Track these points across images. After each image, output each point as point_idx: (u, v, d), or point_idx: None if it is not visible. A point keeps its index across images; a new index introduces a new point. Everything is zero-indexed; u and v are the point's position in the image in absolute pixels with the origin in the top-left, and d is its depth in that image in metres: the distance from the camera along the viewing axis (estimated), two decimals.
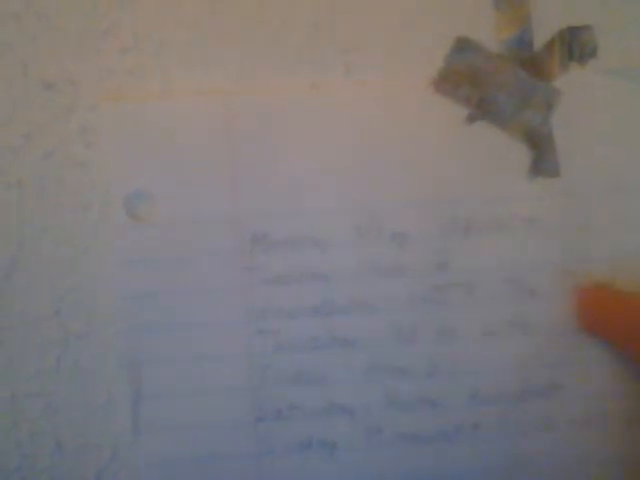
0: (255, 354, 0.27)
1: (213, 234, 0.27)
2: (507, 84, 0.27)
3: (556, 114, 0.27)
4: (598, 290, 0.27)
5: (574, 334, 0.28)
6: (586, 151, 0.27)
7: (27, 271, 0.27)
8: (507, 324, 0.28)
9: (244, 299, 0.27)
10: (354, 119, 0.27)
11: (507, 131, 0.27)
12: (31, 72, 0.26)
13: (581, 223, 0.27)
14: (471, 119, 0.27)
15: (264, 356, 0.27)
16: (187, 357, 0.27)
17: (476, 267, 0.28)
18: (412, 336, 0.28)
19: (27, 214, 0.27)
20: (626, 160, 0.27)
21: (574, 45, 0.27)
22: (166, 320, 0.27)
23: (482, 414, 0.28)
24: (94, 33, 0.27)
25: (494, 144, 0.27)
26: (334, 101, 0.27)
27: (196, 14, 0.27)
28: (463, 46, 0.27)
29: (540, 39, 0.27)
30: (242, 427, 0.27)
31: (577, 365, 0.28)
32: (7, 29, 0.26)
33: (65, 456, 0.28)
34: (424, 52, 0.27)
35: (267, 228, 0.27)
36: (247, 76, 0.27)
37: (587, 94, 0.27)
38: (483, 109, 0.27)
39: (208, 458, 0.27)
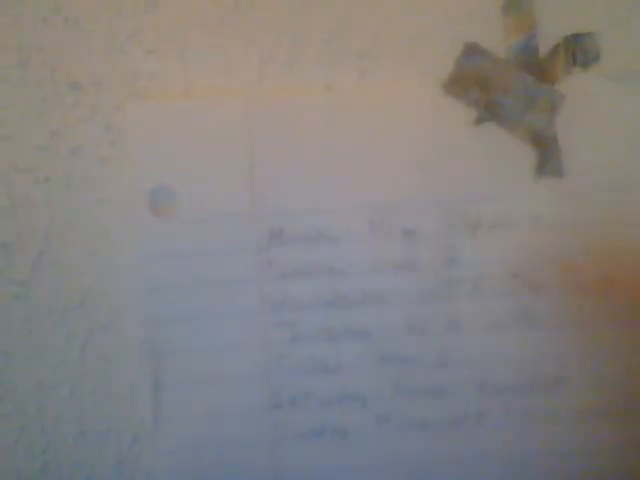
0: (272, 345, 0.28)
1: (232, 229, 0.28)
2: (514, 88, 0.28)
3: (560, 117, 0.28)
4: None
5: (577, 327, 0.29)
6: (589, 152, 0.29)
7: (53, 264, 0.28)
8: (513, 318, 0.29)
9: (261, 292, 0.28)
10: (367, 120, 0.28)
11: (513, 133, 0.28)
12: (59, 73, 0.28)
13: (584, 221, 0.29)
14: (479, 121, 0.28)
15: (280, 347, 0.29)
16: (206, 348, 0.28)
17: (483, 263, 0.29)
18: (422, 328, 0.29)
19: (54, 209, 0.28)
20: (628, 161, 0.29)
21: (578, 51, 0.28)
22: (186, 312, 0.28)
23: (488, 404, 0.29)
24: (119, 36, 0.28)
25: (501, 145, 0.28)
26: (349, 102, 0.28)
27: (217, 18, 0.28)
28: (472, 51, 0.28)
29: (545, 45, 0.28)
30: (258, 414, 0.29)
31: (580, 357, 0.29)
32: (37, 33, 0.27)
33: (88, 442, 0.29)
34: (435, 56, 0.28)
35: (283, 224, 0.28)
36: (266, 78, 0.28)
37: (590, 97, 0.28)
38: (491, 111, 0.28)
39: (225, 444, 0.29)
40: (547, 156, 0.28)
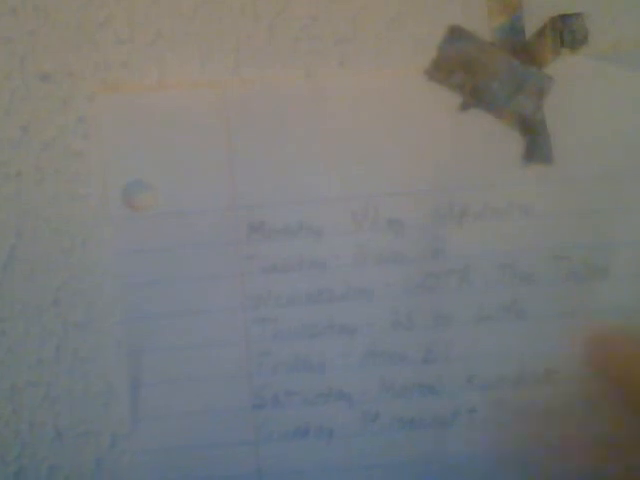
0: (253, 341, 0.28)
1: (210, 223, 0.27)
2: (500, 71, 0.27)
3: (548, 100, 0.27)
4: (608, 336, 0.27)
5: (568, 319, 0.28)
6: (579, 137, 0.28)
7: (26, 261, 0.27)
8: (502, 309, 0.28)
9: (242, 287, 0.28)
10: (349, 108, 0.27)
11: (500, 118, 0.27)
12: (29, 64, 0.27)
13: (574, 209, 0.28)
14: (465, 107, 0.27)
15: (262, 343, 0.28)
16: (185, 345, 0.27)
17: (471, 253, 0.28)
18: (408, 322, 0.28)
19: (26, 205, 0.27)
20: (618, 145, 0.28)
21: (566, 32, 0.27)
22: (164, 309, 0.27)
23: (478, 399, 0.28)
24: (90, 25, 0.27)
25: (488, 131, 0.28)
26: (329, 91, 0.27)
27: (191, 5, 0.27)
28: (456, 35, 0.27)
29: (532, 26, 0.27)
30: (240, 414, 0.28)
31: (571, 349, 0.28)
32: (5, 23, 0.27)
33: (65, 444, 0.28)
34: (418, 41, 0.27)
35: (264, 216, 0.27)
36: (243, 66, 0.27)
37: (579, 80, 0.27)
38: (476, 97, 0.27)
39: (206, 445, 0.28)
40: (535, 142, 0.28)
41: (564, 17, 0.27)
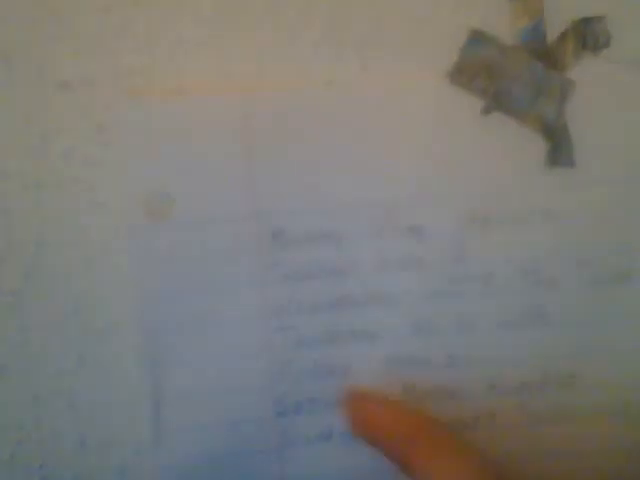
0: (275, 349, 0.27)
1: (230, 232, 0.27)
2: (522, 75, 0.27)
3: (571, 104, 0.27)
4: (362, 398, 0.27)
5: (591, 324, 0.28)
6: (601, 141, 0.27)
7: (46, 271, 0.27)
8: (524, 315, 0.28)
9: (263, 295, 0.27)
10: (371, 114, 0.27)
11: (522, 122, 0.27)
12: (47, 72, 0.26)
13: (597, 213, 0.28)
14: (487, 111, 0.27)
15: (284, 351, 0.28)
16: (207, 354, 0.27)
17: (493, 259, 0.28)
18: (430, 328, 0.28)
19: (45, 214, 0.27)
20: None
21: (588, 36, 0.27)
22: (185, 318, 0.27)
23: (499, 404, 0.28)
24: (109, 32, 0.26)
25: (509, 135, 0.27)
26: (350, 97, 0.27)
27: (211, 11, 0.27)
28: (478, 38, 0.27)
29: (554, 30, 0.27)
30: (263, 422, 0.28)
31: (594, 355, 0.28)
32: (23, 30, 0.26)
33: (87, 455, 0.28)
34: (439, 45, 0.27)
35: (284, 224, 0.27)
36: (263, 73, 0.27)
37: (601, 84, 0.27)
38: (498, 101, 0.27)
39: (230, 454, 0.28)
40: (558, 146, 0.27)
41: (586, 21, 0.27)
